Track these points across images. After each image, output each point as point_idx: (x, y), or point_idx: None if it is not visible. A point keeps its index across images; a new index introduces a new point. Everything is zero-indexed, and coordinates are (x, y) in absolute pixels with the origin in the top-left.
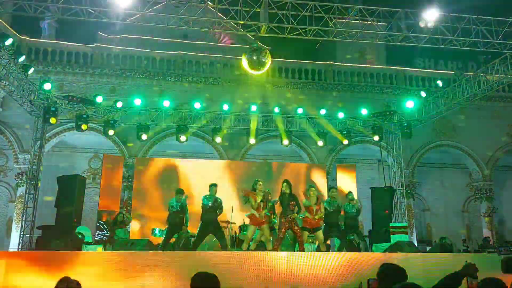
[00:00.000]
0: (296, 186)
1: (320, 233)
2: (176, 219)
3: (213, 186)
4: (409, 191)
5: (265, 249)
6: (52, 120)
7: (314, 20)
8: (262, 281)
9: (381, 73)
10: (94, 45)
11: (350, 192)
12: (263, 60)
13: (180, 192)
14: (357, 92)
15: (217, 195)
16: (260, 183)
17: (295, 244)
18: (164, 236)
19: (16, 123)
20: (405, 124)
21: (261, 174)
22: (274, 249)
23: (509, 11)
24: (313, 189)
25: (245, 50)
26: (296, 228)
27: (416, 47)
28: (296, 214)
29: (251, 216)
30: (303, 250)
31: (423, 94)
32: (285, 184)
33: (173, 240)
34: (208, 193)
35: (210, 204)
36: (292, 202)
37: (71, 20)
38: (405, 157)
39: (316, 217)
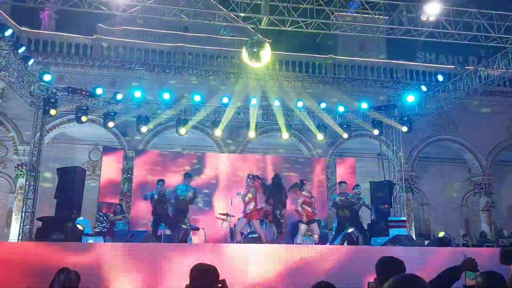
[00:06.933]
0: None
1: (315, 225)
2: (158, 210)
3: (186, 176)
4: (408, 185)
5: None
6: (52, 112)
7: (315, 13)
8: (258, 274)
9: (382, 67)
10: (94, 36)
11: (356, 185)
12: (264, 52)
13: (160, 181)
14: (357, 86)
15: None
16: (250, 177)
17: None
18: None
19: (16, 115)
20: (405, 118)
21: (259, 167)
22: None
23: (511, 5)
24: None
25: (246, 43)
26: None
27: (417, 41)
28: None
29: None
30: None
31: (423, 88)
32: (276, 178)
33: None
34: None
35: (184, 194)
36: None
37: (71, 11)
38: (405, 151)
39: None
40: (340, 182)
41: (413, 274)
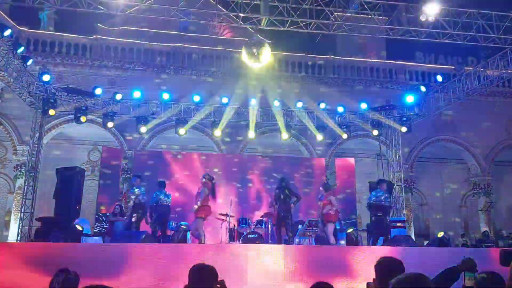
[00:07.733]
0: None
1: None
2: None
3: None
4: (407, 185)
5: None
6: (51, 112)
7: (314, 13)
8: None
9: (381, 68)
10: (94, 37)
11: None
12: (263, 53)
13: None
14: (357, 86)
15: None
16: (206, 177)
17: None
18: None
19: (15, 115)
20: (405, 119)
21: (258, 167)
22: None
23: (510, 6)
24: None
25: (245, 43)
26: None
27: (417, 41)
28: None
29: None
30: None
31: (423, 88)
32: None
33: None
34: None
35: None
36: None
37: (70, 11)
38: (404, 151)
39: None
40: (380, 181)
41: (420, 274)
